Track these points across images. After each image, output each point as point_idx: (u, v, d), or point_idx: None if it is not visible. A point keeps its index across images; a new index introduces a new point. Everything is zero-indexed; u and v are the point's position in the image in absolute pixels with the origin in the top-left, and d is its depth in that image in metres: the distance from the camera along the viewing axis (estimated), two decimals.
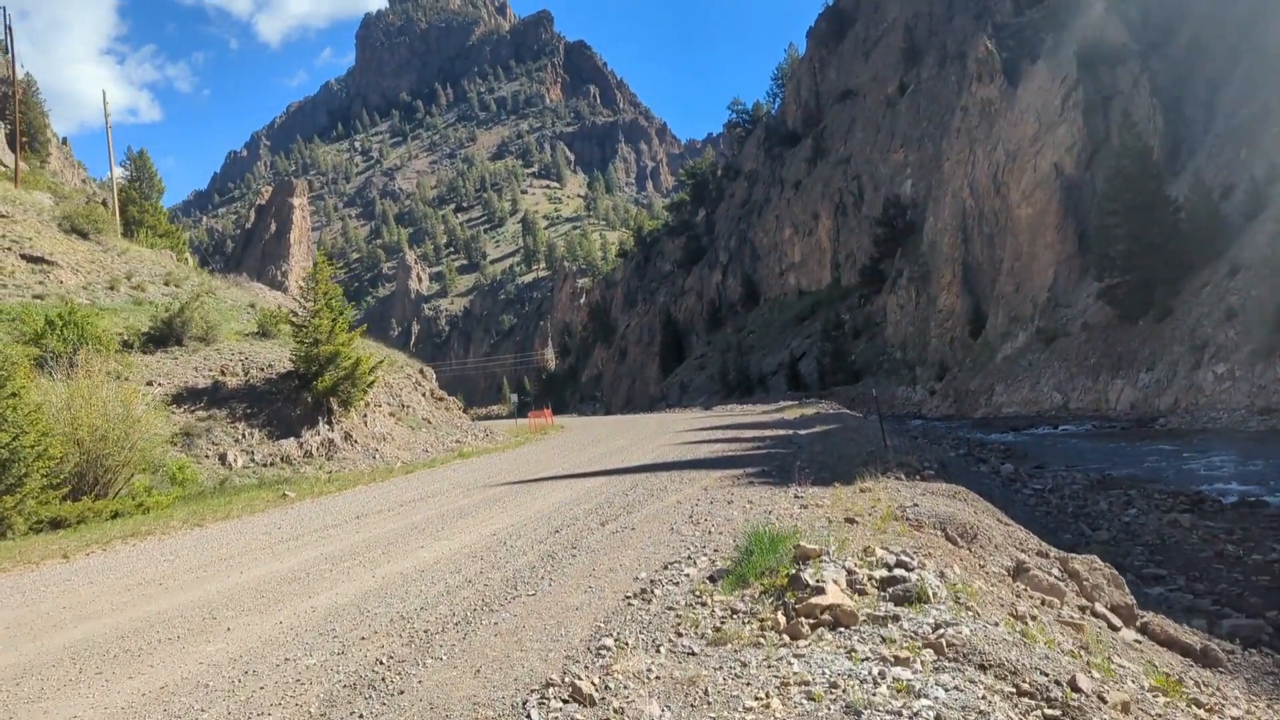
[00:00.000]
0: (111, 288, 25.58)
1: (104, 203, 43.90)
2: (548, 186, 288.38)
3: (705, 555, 7.06)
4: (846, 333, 78.09)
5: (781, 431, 22.63)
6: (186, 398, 20.58)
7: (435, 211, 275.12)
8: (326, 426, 22.29)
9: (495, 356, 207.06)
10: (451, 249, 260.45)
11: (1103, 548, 11.89)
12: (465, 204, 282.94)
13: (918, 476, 10.83)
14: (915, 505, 8.20)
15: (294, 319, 23.14)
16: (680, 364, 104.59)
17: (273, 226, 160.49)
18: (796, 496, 9.51)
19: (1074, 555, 7.96)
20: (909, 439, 21.29)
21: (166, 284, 27.51)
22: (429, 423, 31.98)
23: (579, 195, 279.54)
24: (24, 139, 64.31)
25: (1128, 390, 41.30)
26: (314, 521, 12.15)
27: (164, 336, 22.26)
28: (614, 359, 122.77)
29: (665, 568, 6.86)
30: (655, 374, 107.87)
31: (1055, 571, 7.36)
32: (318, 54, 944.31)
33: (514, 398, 54.68)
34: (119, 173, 44.96)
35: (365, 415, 27.25)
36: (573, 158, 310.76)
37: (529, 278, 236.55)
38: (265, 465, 19.75)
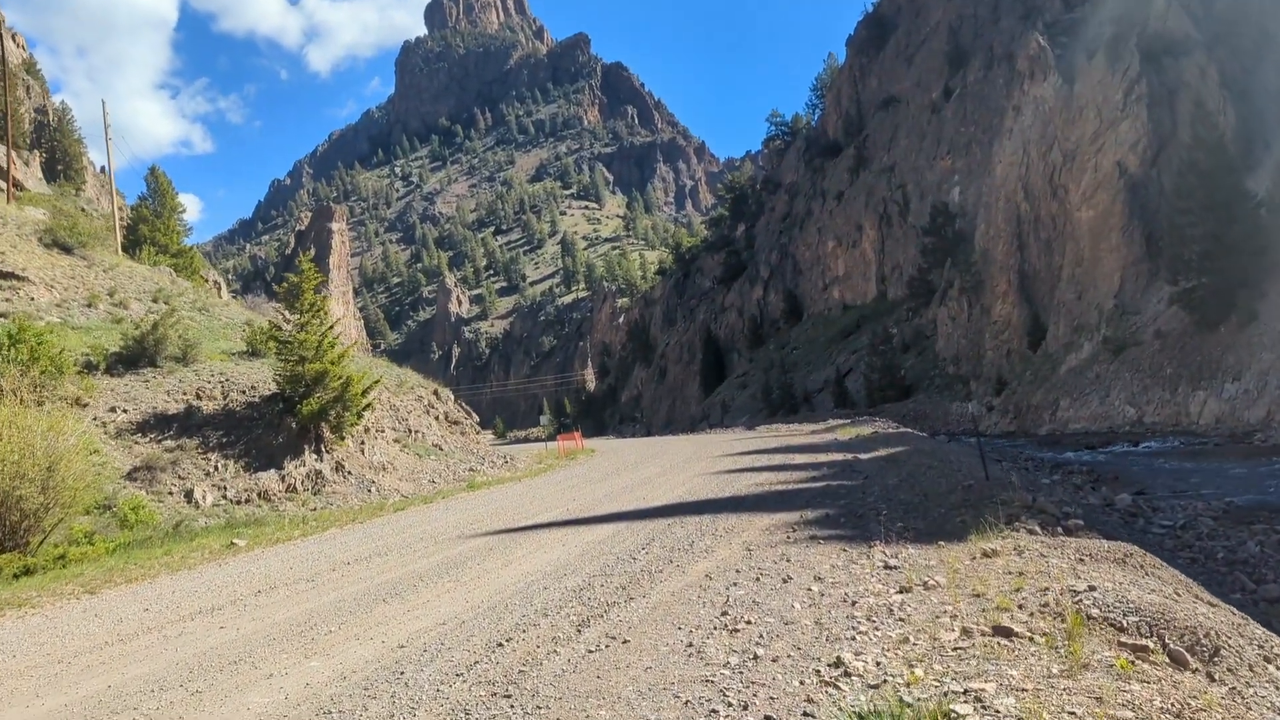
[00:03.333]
0: (90, 305, 23.25)
1: (133, 225, 42.16)
2: (586, 207, 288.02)
3: None
4: (895, 347, 74.44)
5: (838, 456, 19.46)
6: (153, 425, 18.03)
7: (474, 234, 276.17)
8: (314, 456, 19.62)
9: (535, 378, 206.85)
10: (491, 271, 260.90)
11: None
12: (504, 226, 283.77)
13: (1059, 528, 7.75)
14: (1091, 588, 5.14)
15: (278, 334, 20.45)
16: (721, 383, 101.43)
17: (312, 251, 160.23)
18: (887, 567, 6.54)
19: None
20: (1010, 467, 18.00)
21: (155, 301, 25.11)
22: (439, 449, 29.32)
23: (618, 215, 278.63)
24: (58, 167, 63.42)
25: (1211, 402, 37.62)
26: (220, 593, 9.38)
27: (135, 357, 19.79)
28: (653, 379, 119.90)
29: None
30: (696, 393, 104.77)
31: None
32: (366, 83, 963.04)
33: (543, 419, 51.98)
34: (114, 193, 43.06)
35: (362, 442, 24.61)
36: (611, 178, 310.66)
37: (568, 299, 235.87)
38: (239, 502, 17.08)
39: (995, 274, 63.83)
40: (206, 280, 44.75)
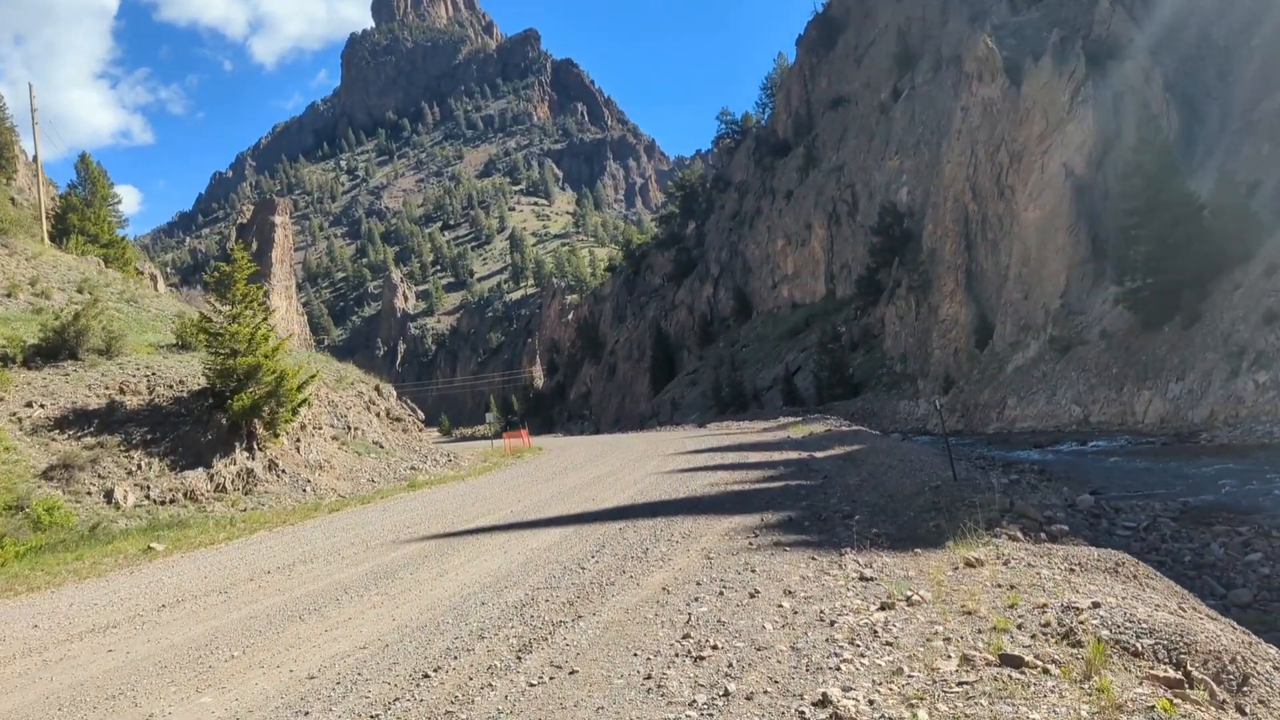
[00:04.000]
0: (9, 294, 21.85)
1: (62, 214, 40.26)
2: (535, 204, 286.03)
3: None
4: (843, 345, 74.68)
5: (794, 454, 18.93)
6: (73, 421, 16.88)
7: (422, 230, 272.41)
8: (246, 454, 18.59)
9: (482, 375, 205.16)
10: (438, 267, 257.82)
11: (1256, 615, 8.32)
12: (452, 222, 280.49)
13: (1042, 533, 7.22)
14: (1095, 605, 4.58)
15: (208, 326, 19.34)
16: (671, 380, 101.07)
17: (254, 245, 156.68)
18: (863, 579, 5.93)
19: None
20: (976, 465, 17.56)
21: (80, 291, 23.75)
22: (380, 447, 28.31)
23: (567, 212, 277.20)
24: None
25: (1156, 402, 38.02)
26: (122, 607, 8.44)
27: (55, 349, 18.55)
28: (603, 376, 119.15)
29: None
30: (646, 391, 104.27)
31: None
32: (313, 75, 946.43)
33: (489, 417, 50.85)
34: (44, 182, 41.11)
35: (298, 440, 23.54)
36: (560, 175, 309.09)
37: (517, 295, 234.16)
38: (163, 503, 16.02)
39: (943, 273, 64.24)
40: (141, 272, 42.94)
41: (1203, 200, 40.15)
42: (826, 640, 4.78)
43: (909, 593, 5.44)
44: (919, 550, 6.77)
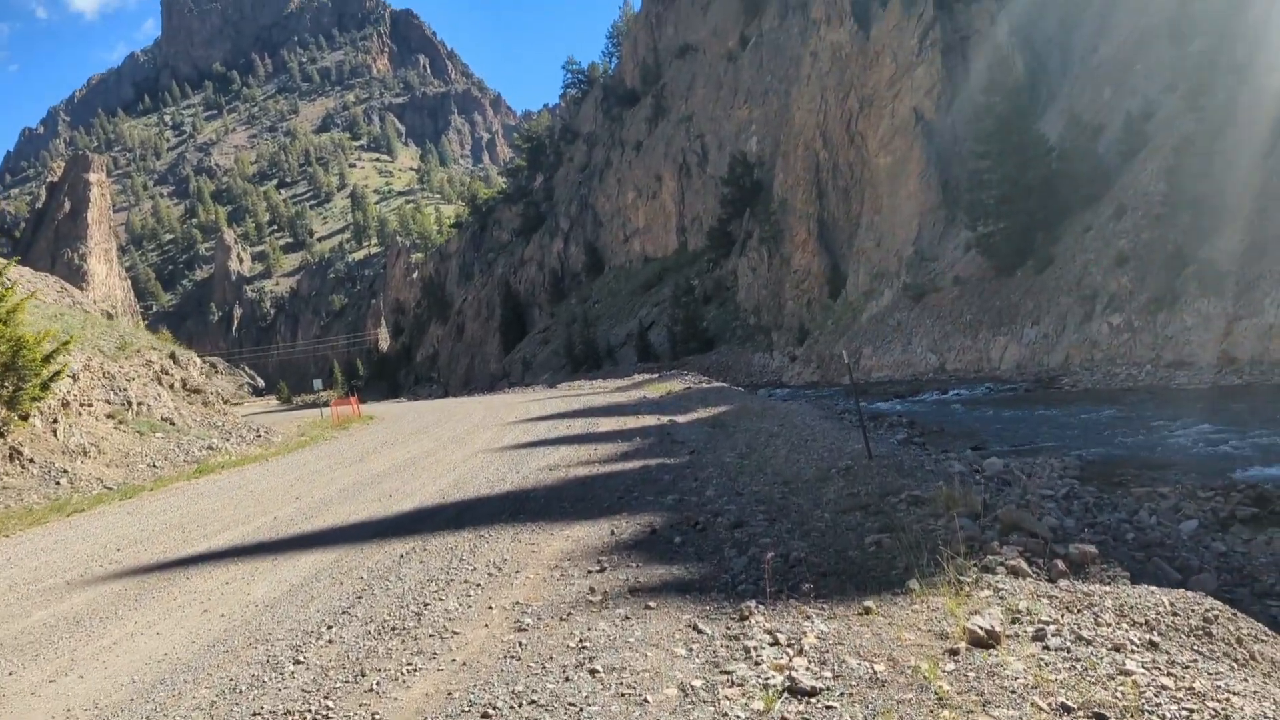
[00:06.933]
0: None
1: None
2: (378, 159, 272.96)
3: None
4: (697, 299, 72.96)
5: (651, 420, 16.13)
6: None
7: (256, 188, 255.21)
8: None
9: (325, 339, 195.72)
10: (275, 227, 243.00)
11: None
12: (289, 179, 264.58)
13: (1057, 560, 4.61)
14: None
15: None
16: (523, 339, 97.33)
17: (67, 206, 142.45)
18: (800, 691, 3.00)
19: None
20: (888, 438, 15.13)
21: None
22: (171, 424, 23.95)
23: (411, 169, 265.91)
24: None
25: (1012, 347, 37.60)
26: None
27: None
28: (450, 336, 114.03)
29: None
30: (496, 351, 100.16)
31: None
32: (139, 25, 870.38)
33: (316, 384, 46.30)
34: None
35: (55, 421, 19.17)
36: (403, 130, 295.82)
37: (360, 255, 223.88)
38: None
39: (794, 223, 63.13)
40: None
41: (1052, 143, 39.90)
42: None
43: None
44: (870, 603, 4.07)
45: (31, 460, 18.54)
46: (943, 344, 41.77)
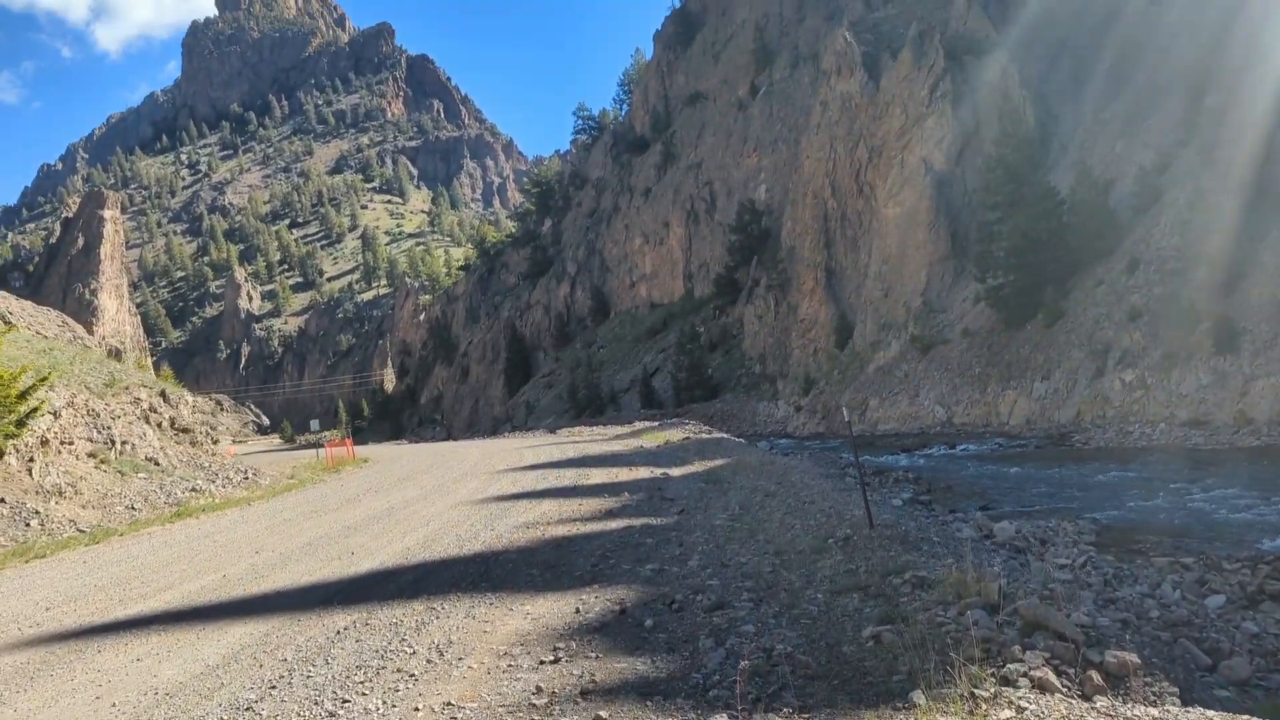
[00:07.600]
0: None
1: None
2: (389, 201, 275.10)
3: None
4: (702, 346, 72.33)
5: (644, 473, 15.36)
6: None
7: (268, 227, 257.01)
8: None
9: (332, 378, 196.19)
10: (285, 266, 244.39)
11: (1271, 702, 5.25)
12: (301, 219, 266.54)
13: (1092, 669, 3.88)
14: None
15: None
16: (527, 382, 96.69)
17: (81, 241, 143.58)
18: None
19: None
20: (892, 497, 14.33)
21: None
22: (155, 464, 23.24)
23: (422, 211, 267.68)
24: None
25: (1022, 402, 36.77)
26: None
27: None
28: (455, 378, 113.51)
29: None
30: (500, 394, 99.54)
31: None
32: (161, 66, 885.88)
33: (313, 424, 45.67)
34: None
35: (31, 459, 18.50)
36: (416, 173, 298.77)
37: (369, 295, 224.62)
38: None
39: (802, 271, 62.70)
40: None
41: (1062, 196, 39.45)
42: None
43: None
44: None
45: (2, 500, 17.86)
46: (951, 397, 40.98)
